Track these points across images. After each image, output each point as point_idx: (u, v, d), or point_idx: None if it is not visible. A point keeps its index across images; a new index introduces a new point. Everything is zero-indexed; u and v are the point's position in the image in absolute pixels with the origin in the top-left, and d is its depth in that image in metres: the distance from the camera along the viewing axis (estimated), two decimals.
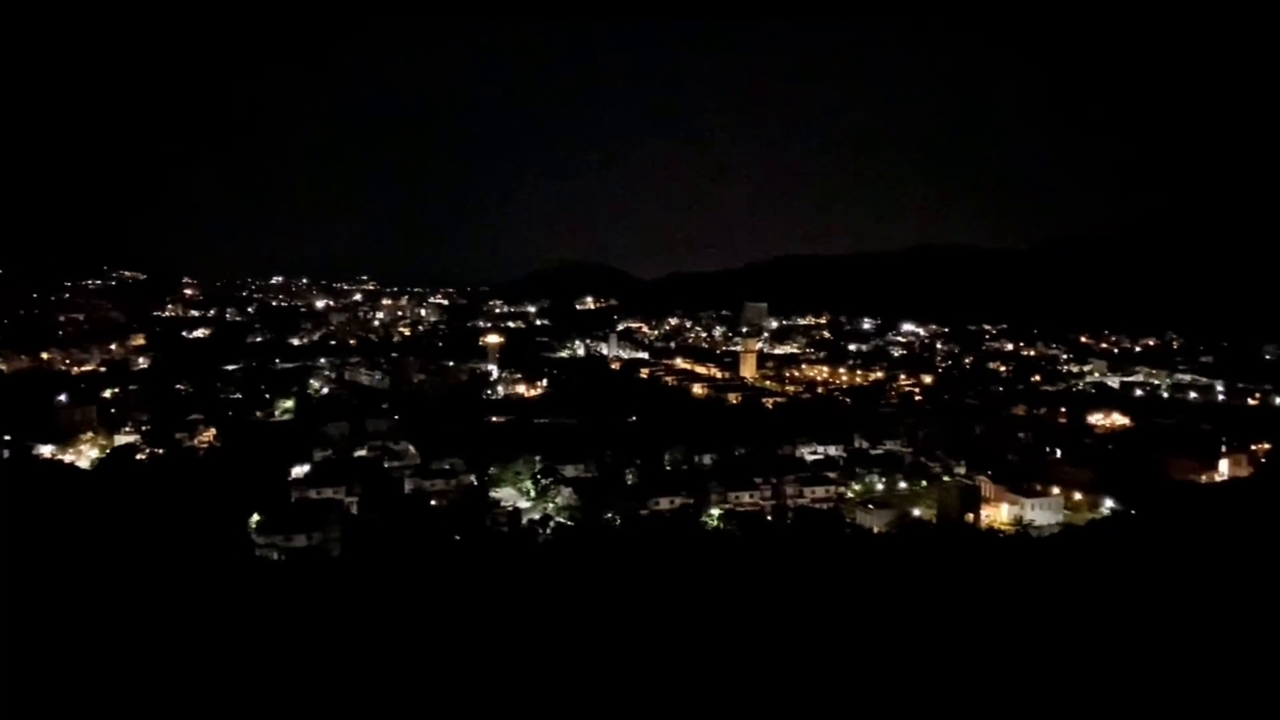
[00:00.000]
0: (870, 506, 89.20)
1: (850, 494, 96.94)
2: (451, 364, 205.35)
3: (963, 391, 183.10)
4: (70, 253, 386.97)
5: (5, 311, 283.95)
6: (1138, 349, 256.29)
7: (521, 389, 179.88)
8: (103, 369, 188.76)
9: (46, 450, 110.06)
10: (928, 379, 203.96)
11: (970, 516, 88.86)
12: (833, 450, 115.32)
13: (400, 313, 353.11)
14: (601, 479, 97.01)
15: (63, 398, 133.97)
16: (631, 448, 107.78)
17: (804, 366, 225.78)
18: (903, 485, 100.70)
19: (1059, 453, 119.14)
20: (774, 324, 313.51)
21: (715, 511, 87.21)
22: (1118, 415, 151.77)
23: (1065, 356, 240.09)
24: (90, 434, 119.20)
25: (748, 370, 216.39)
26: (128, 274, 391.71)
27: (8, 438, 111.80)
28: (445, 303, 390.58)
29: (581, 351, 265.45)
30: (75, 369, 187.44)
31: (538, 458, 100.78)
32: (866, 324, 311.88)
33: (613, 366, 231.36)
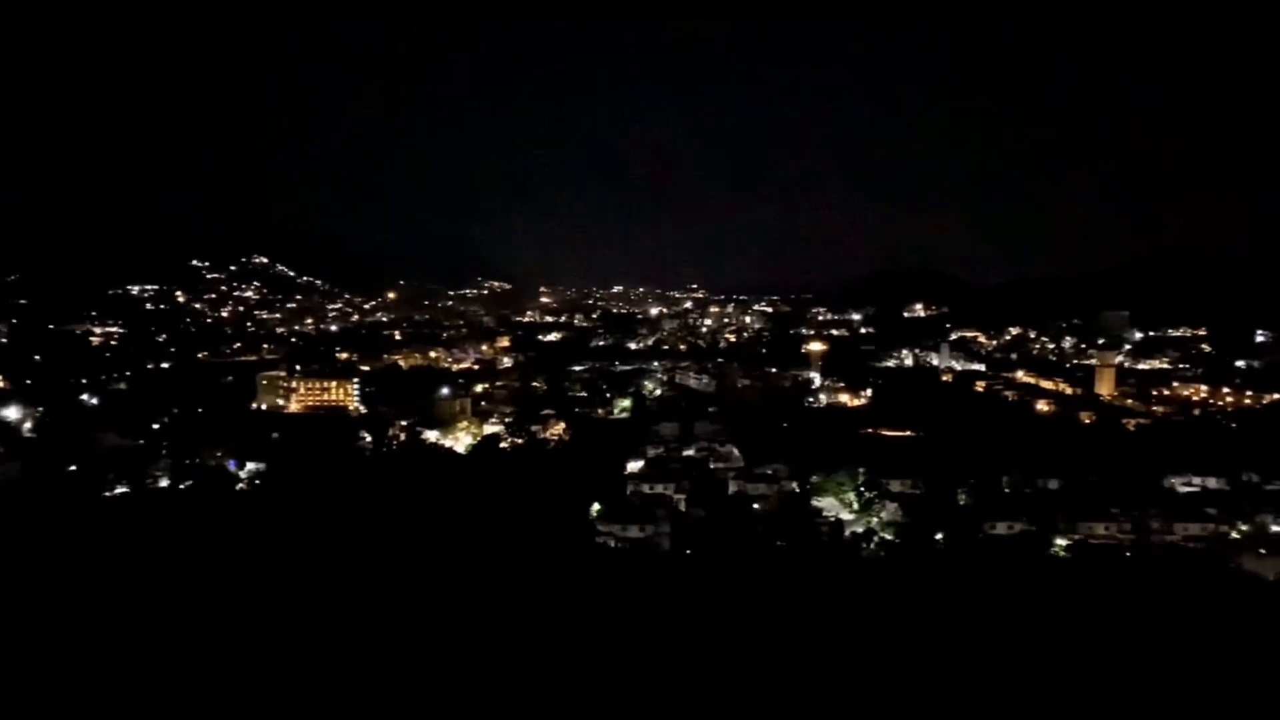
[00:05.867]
0: (1262, 551, 75.39)
1: (1234, 535, 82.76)
2: (774, 371, 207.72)
3: None
4: (454, 267, 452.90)
5: (405, 317, 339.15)
6: None
7: (844, 398, 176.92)
8: (476, 367, 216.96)
9: (432, 435, 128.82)
10: None
11: None
12: (1211, 482, 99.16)
13: (726, 319, 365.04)
14: (930, 496, 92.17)
15: (445, 391, 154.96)
16: (964, 465, 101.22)
17: (1175, 384, 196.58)
18: None
19: None
20: (1137, 335, 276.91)
21: (1061, 541, 79.09)
22: None
23: None
24: (465, 423, 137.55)
25: (1104, 387, 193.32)
26: (496, 284, 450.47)
27: (403, 423, 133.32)
28: (769, 310, 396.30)
29: (909, 361, 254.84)
30: (455, 366, 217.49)
31: (861, 469, 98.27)
32: (1260, 336, 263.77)
33: (944, 378, 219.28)
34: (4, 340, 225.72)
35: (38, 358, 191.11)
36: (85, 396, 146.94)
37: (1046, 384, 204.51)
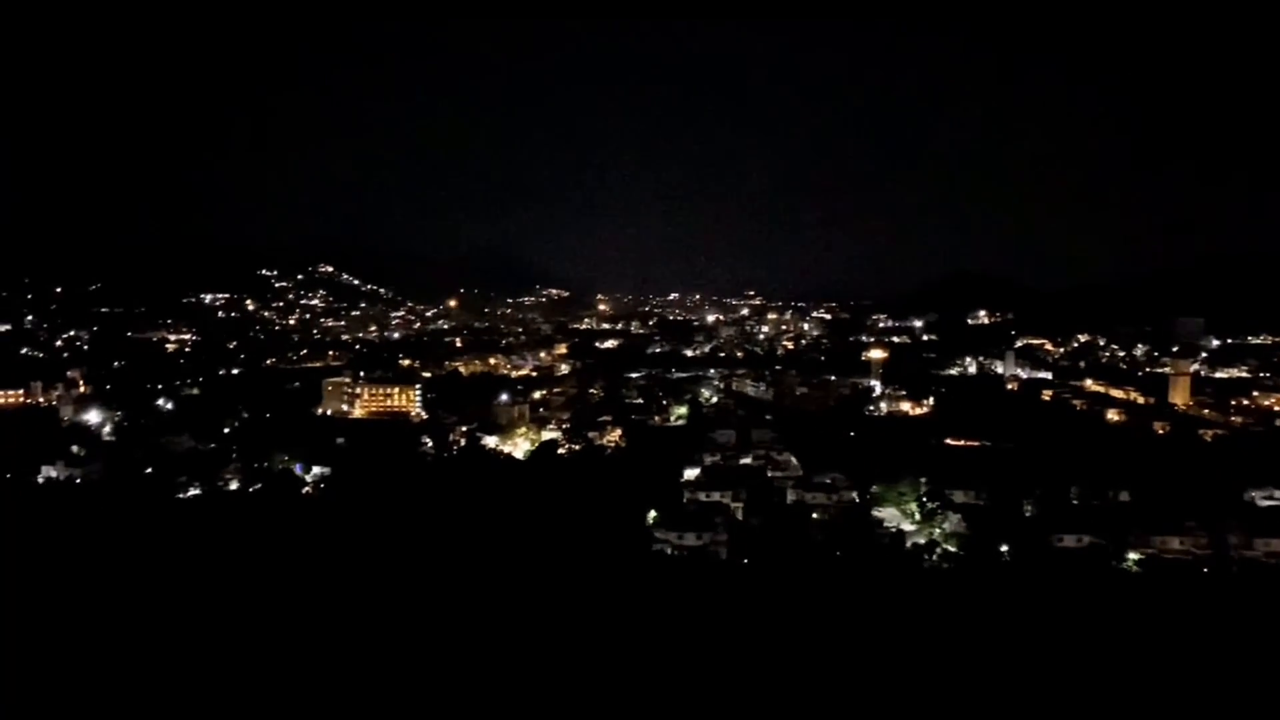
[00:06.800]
0: None
1: None
2: (833, 378, 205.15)
3: None
4: (513, 275, 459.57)
5: (466, 325, 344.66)
6: None
7: (905, 407, 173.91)
8: (534, 373, 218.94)
9: (491, 441, 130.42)
10: None
11: None
12: None
13: (784, 326, 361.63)
14: (994, 508, 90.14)
15: (504, 397, 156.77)
16: (1030, 476, 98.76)
17: (1255, 394, 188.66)
18: None
19: None
20: (1214, 342, 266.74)
21: (1133, 555, 76.55)
22: None
23: None
24: (524, 429, 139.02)
25: (1178, 396, 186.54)
26: (554, 292, 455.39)
27: (464, 429, 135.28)
28: (828, 317, 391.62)
29: (973, 370, 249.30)
30: (514, 372, 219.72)
31: (923, 479, 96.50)
32: None
33: (1009, 387, 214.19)
34: (86, 347, 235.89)
35: (117, 364, 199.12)
36: (161, 401, 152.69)
37: (1117, 393, 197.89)
